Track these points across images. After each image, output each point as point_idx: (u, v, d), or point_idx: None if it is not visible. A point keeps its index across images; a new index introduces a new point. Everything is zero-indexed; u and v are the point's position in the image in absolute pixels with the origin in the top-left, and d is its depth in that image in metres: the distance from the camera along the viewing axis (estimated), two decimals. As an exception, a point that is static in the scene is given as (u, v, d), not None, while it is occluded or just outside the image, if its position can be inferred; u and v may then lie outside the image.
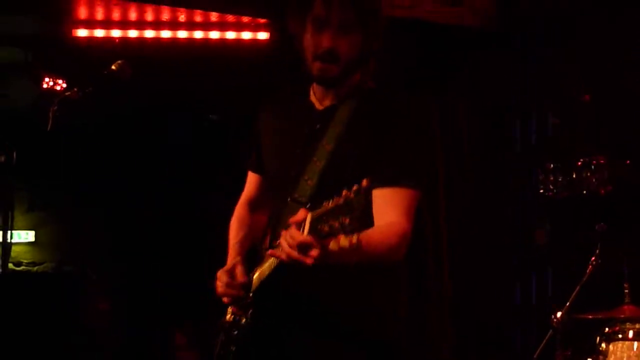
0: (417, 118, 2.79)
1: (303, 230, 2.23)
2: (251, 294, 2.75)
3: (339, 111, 2.79)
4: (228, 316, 2.88)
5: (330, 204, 2.18)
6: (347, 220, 2.15)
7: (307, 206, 2.53)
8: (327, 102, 2.87)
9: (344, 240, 2.20)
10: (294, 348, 2.82)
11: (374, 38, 2.84)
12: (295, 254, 2.27)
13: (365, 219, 2.34)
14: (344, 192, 2.17)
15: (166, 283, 6.78)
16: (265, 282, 2.73)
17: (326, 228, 2.18)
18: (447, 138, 6.24)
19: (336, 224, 2.16)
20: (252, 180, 3.10)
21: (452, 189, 6.16)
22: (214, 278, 2.76)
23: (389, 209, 2.70)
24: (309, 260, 2.26)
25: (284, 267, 2.51)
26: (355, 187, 2.16)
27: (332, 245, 2.21)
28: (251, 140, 3.05)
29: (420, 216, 2.88)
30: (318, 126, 2.81)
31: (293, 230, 2.29)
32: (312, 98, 2.90)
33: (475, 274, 6.00)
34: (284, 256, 2.32)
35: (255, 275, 2.79)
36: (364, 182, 2.17)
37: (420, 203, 2.77)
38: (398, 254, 2.69)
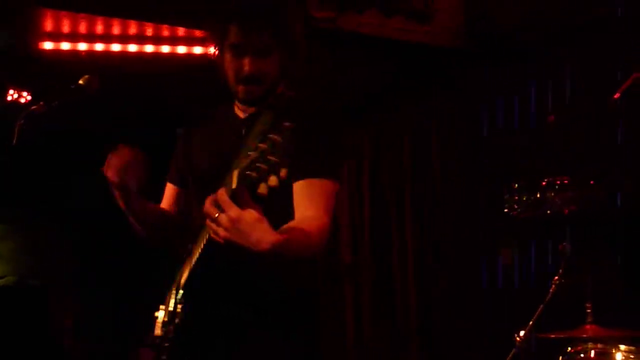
0: (329, 120, 2.94)
1: (231, 186, 2.28)
2: (181, 290, 2.83)
3: (262, 117, 2.83)
4: (157, 331, 2.93)
5: (254, 153, 2.22)
6: (275, 159, 2.19)
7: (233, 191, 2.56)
8: (250, 111, 3.00)
9: (272, 179, 2.22)
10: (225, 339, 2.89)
11: (293, 54, 2.97)
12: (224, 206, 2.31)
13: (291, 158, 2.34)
14: (269, 136, 2.23)
15: (130, 297, 6.74)
16: (193, 269, 2.81)
17: (254, 174, 2.20)
18: (418, 155, 6.30)
19: (264, 167, 2.19)
20: (170, 192, 3.22)
21: (422, 206, 6.21)
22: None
23: (307, 201, 2.79)
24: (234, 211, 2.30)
25: (211, 248, 2.58)
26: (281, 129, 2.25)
27: (261, 189, 2.23)
28: (173, 155, 3.21)
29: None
30: (243, 132, 2.90)
31: (219, 192, 2.34)
32: (237, 110, 3.04)
33: (443, 288, 6.06)
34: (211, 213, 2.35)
35: (184, 273, 2.87)
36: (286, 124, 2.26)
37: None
38: (319, 247, 2.74)
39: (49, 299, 7.39)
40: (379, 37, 5.57)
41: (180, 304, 2.86)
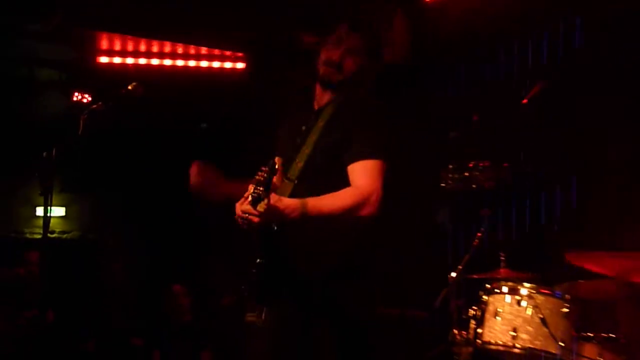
0: (374, 114, 2.73)
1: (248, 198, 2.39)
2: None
3: (325, 111, 2.76)
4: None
5: (256, 178, 2.37)
6: (260, 190, 2.34)
7: (295, 182, 2.63)
8: (322, 103, 2.80)
9: (261, 205, 2.35)
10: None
11: (373, 65, 2.80)
12: (245, 215, 2.41)
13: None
14: (261, 171, 2.37)
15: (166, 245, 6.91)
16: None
17: (254, 195, 2.35)
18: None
19: (259, 192, 2.34)
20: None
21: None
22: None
23: (355, 177, 2.63)
24: (253, 218, 2.38)
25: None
26: (265, 169, 2.36)
27: (260, 207, 2.36)
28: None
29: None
30: (312, 123, 2.75)
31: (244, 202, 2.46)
32: (315, 101, 2.82)
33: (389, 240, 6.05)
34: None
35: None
36: (276, 162, 2.39)
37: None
38: (359, 209, 2.57)
39: (103, 249, 7.48)
40: None
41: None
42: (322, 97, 2.80)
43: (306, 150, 2.70)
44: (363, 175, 2.61)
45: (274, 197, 2.41)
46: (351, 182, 2.62)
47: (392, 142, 2.74)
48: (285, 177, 2.70)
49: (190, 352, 5.56)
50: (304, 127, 2.76)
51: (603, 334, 3.43)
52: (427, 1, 5.44)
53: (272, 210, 2.39)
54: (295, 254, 2.62)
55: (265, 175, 2.36)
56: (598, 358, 3.32)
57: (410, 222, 5.71)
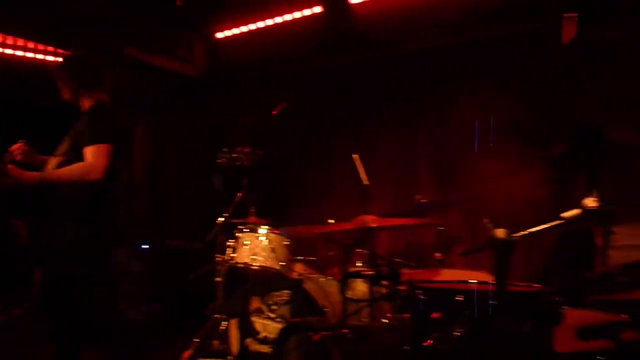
0: (96, 115, 2.95)
1: None
2: None
3: (81, 115, 3.04)
4: None
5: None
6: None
7: (62, 158, 2.93)
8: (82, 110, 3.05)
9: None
10: None
11: (85, 83, 3.01)
12: None
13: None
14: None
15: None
16: None
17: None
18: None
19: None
20: None
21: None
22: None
23: (85, 157, 2.84)
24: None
25: None
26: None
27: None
28: None
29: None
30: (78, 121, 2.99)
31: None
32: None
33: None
34: None
35: None
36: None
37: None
38: (85, 176, 2.77)
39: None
40: (166, 68, 5.38)
41: None
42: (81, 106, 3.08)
43: (70, 138, 2.99)
44: (89, 155, 2.83)
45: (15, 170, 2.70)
46: (83, 160, 2.86)
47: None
48: (58, 155, 2.96)
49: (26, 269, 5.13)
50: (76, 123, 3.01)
51: (307, 257, 3.81)
52: (219, 38, 5.52)
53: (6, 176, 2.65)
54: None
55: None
56: (303, 272, 3.62)
57: (198, 186, 5.76)
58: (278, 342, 2.19)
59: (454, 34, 4.36)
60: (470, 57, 4.35)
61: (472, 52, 4.34)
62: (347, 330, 1.89)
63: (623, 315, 1.41)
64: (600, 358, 1.33)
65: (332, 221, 3.48)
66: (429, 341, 1.33)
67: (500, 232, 1.20)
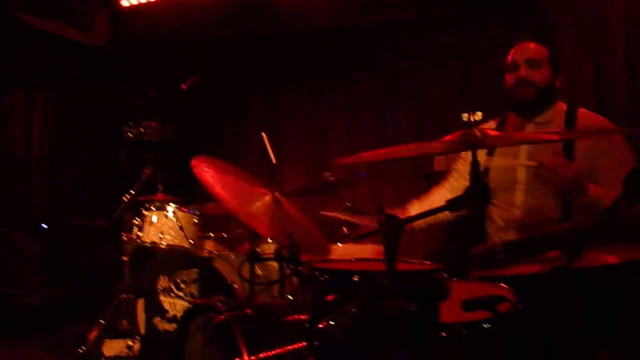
0: None
1: None
2: None
3: None
4: None
5: None
6: None
7: None
8: None
9: None
10: None
11: None
12: None
13: None
14: None
15: None
16: None
17: None
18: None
19: None
20: None
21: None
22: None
23: None
24: None
25: None
26: None
27: None
28: None
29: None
30: None
31: None
32: None
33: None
34: None
35: None
36: None
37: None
38: None
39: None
40: (63, 35, 5.11)
41: None
42: None
43: None
44: None
45: None
46: None
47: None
48: None
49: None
50: None
51: (217, 234, 3.80)
52: (124, 7, 5.27)
53: None
54: None
55: None
56: (213, 249, 3.60)
57: (103, 162, 5.53)
58: (181, 324, 2.19)
59: (364, 14, 4.43)
60: (374, 37, 4.44)
61: (377, 32, 4.44)
62: (250, 311, 1.92)
63: (501, 288, 1.52)
64: (486, 325, 1.45)
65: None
66: (324, 322, 1.38)
67: (388, 218, 1.26)
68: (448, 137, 1.42)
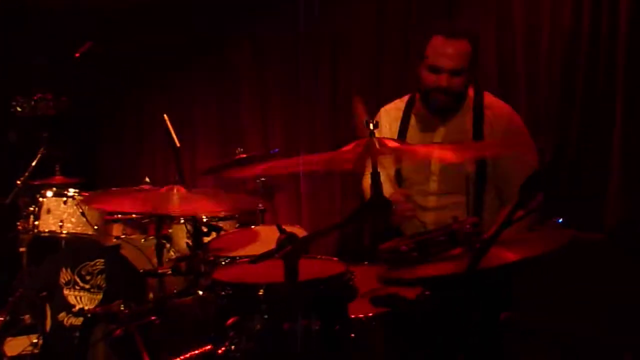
0: None
1: None
2: None
3: None
4: None
5: None
6: None
7: None
8: None
9: None
10: None
11: None
12: None
13: None
14: None
15: None
16: None
17: None
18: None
19: None
20: None
21: None
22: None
23: None
24: None
25: None
26: None
27: None
28: None
29: None
30: None
31: None
32: None
33: None
34: None
35: None
36: None
37: None
38: None
39: None
40: None
41: None
42: None
43: None
44: None
45: None
46: None
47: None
48: None
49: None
50: None
51: (126, 216, 3.56)
52: None
53: None
54: None
55: None
56: (121, 235, 3.46)
57: None
58: (82, 334, 2.03)
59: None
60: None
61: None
62: (154, 318, 1.80)
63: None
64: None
65: (148, 180, 3.29)
66: (226, 343, 1.29)
67: (289, 238, 1.17)
68: (347, 147, 1.34)
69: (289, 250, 1.15)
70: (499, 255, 1.35)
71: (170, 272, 1.97)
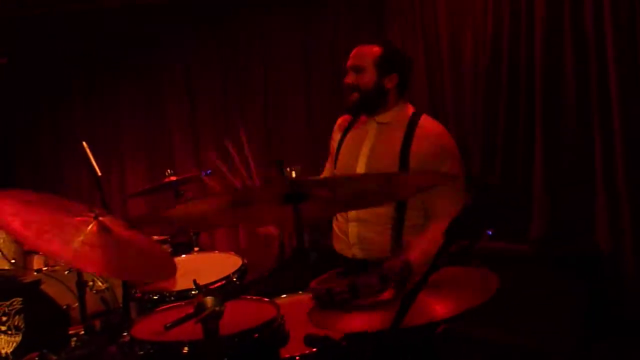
0: None
1: None
2: None
3: None
4: None
5: None
6: None
7: None
8: None
9: None
10: None
11: None
12: None
13: None
14: None
15: None
16: None
17: None
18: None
19: None
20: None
21: None
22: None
23: None
24: None
25: None
26: None
27: None
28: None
29: None
30: None
31: None
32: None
33: None
34: None
35: None
36: None
37: None
38: None
39: None
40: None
41: None
42: None
43: None
44: None
45: None
46: None
47: None
48: None
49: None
50: None
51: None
52: None
53: None
54: None
55: None
56: (43, 267, 3.20)
57: None
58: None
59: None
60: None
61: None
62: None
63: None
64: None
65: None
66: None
67: (207, 300, 1.09)
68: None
69: (207, 314, 1.07)
70: (426, 308, 1.33)
71: (82, 332, 1.83)
